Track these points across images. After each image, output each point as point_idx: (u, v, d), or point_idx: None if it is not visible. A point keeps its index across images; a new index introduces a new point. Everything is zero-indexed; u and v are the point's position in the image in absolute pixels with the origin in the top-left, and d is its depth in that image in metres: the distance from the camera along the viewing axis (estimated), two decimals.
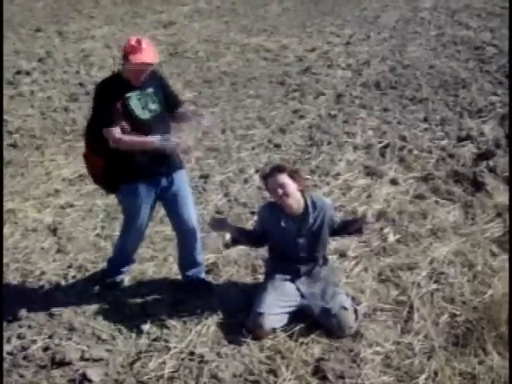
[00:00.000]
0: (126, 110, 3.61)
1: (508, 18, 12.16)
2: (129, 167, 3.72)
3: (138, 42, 3.51)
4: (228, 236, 4.08)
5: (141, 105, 3.66)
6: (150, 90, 3.70)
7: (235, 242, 4.09)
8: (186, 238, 4.07)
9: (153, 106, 3.70)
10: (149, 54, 3.55)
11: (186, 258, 4.15)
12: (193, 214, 4.01)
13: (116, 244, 4.25)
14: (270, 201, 3.97)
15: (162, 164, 3.78)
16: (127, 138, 3.61)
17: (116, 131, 3.58)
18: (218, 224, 4.00)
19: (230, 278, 4.30)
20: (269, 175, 3.75)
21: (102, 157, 3.75)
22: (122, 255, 4.20)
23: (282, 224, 3.77)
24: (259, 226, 3.96)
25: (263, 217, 3.91)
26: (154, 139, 3.59)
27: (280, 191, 3.65)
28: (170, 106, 3.85)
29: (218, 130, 3.91)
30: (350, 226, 3.87)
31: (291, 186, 3.69)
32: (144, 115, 3.67)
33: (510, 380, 3.18)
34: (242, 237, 3.97)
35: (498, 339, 3.45)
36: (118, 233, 4.12)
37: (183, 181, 3.96)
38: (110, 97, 3.59)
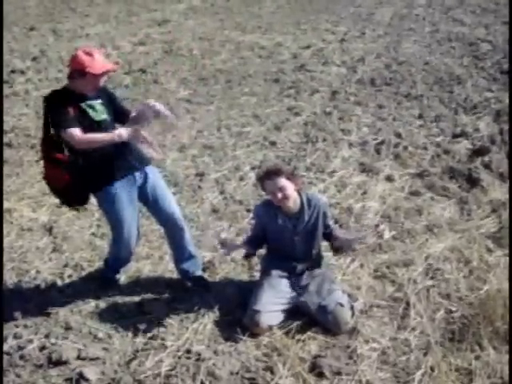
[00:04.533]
0: (81, 114, 3.58)
1: (502, 14, 12.20)
2: (100, 171, 3.70)
3: (89, 53, 3.53)
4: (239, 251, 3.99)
5: (92, 111, 3.66)
6: (98, 101, 3.70)
7: (249, 256, 4.01)
8: (173, 231, 4.06)
9: (103, 116, 3.70)
10: (106, 62, 3.60)
11: (179, 251, 4.14)
12: (174, 205, 4.01)
13: (110, 249, 4.21)
14: (266, 199, 3.97)
15: (131, 160, 3.77)
16: (90, 135, 3.56)
17: (76, 131, 3.52)
18: (229, 247, 3.90)
19: (226, 276, 4.30)
20: (266, 178, 3.70)
21: (66, 168, 3.72)
22: (119, 259, 4.19)
23: (279, 222, 3.77)
24: (258, 225, 3.93)
25: (259, 215, 3.89)
26: (117, 133, 3.55)
27: (280, 195, 3.64)
28: (120, 116, 3.83)
29: (180, 119, 3.84)
30: (334, 241, 3.81)
31: (290, 188, 3.68)
32: (99, 117, 3.66)
33: (510, 376, 3.19)
34: (252, 248, 3.91)
35: (493, 334, 3.46)
36: None
37: (157, 175, 3.98)
38: (63, 104, 3.56)
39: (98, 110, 3.68)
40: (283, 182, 3.64)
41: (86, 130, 3.56)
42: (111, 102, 3.83)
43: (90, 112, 3.63)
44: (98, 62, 3.54)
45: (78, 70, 3.53)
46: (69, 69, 3.62)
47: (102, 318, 3.86)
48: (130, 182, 3.79)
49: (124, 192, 3.76)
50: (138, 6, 15.97)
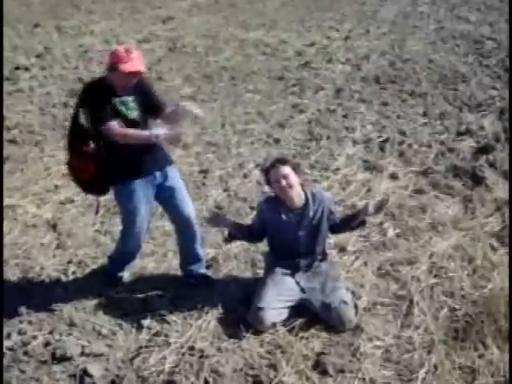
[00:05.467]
0: (114, 110, 3.60)
1: (507, 11, 12.15)
2: (124, 167, 3.71)
3: (128, 51, 3.55)
4: (225, 232, 4.05)
5: (125, 109, 3.67)
6: (131, 98, 3.70)
7: (232, 237, 4.06)
8: (186, 233, 4.07)
9: (135, 113, 3.71)
10: (138, 63, 3.58)
11: (188, 253, 4.15)
12: (191, 207, 4.01)
13: (118, 244, 4.21)
14: (269, 196, 3.97)
15: (156, 159, 3.79)
16: (128, 130, 3.60)
17: (115, 125, 3.56)
18: (216, 220, 3.99)
19: (229, 273, 4.30)
20: (272, 166, 3.74)
21: (91, 160, 3.73)
22: (125, 255, 4.19)
23: (283, 217, 3.77)
24: (258, 220, 3.94)
25: (263, 210, 3.89)
26: (154, 133, 3.57)
27: (283, 182, 3.65)
28: (155, 110, 3.84)
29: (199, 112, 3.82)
30: (351, 221, 3.88)
31: (294, 177, 3.69)
32: (131, 115, 3.68)
33: (510, 374, 3.19)
34: (239, 232, 3.96)
35: (497, 333, 3.45)
36: (117, 228, 4.10)
37: (176, 174, 3.98)
38: (98, 98, 3.58)
39: (131, 107, 3.68)
40: (288, 169, 3.67)
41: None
42: (145, 96, 3.80)
43: (123, 109, 3.64)
44: (131, 61, 3.53)
45: (111, 64, 3.56)
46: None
47: (105, 314, 3.86)
48: (149, 180, 3.80)
49: (142, 189, 3.77)
50: (142, 3, 15.96)
